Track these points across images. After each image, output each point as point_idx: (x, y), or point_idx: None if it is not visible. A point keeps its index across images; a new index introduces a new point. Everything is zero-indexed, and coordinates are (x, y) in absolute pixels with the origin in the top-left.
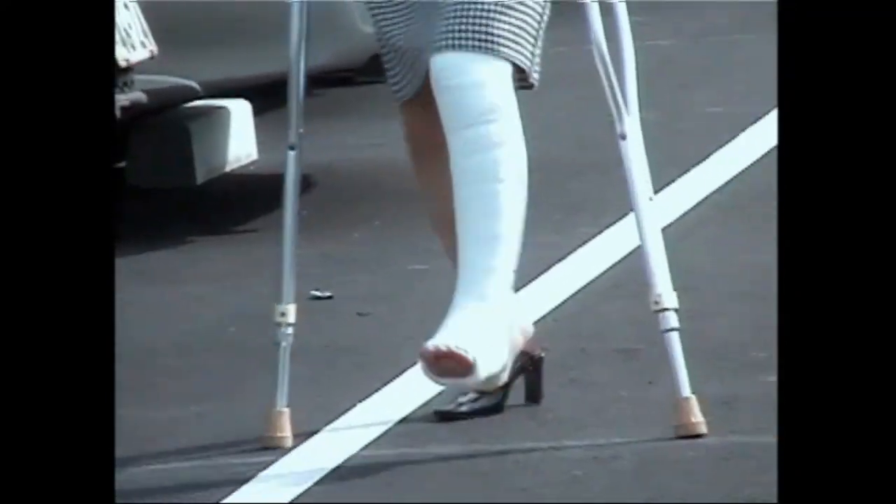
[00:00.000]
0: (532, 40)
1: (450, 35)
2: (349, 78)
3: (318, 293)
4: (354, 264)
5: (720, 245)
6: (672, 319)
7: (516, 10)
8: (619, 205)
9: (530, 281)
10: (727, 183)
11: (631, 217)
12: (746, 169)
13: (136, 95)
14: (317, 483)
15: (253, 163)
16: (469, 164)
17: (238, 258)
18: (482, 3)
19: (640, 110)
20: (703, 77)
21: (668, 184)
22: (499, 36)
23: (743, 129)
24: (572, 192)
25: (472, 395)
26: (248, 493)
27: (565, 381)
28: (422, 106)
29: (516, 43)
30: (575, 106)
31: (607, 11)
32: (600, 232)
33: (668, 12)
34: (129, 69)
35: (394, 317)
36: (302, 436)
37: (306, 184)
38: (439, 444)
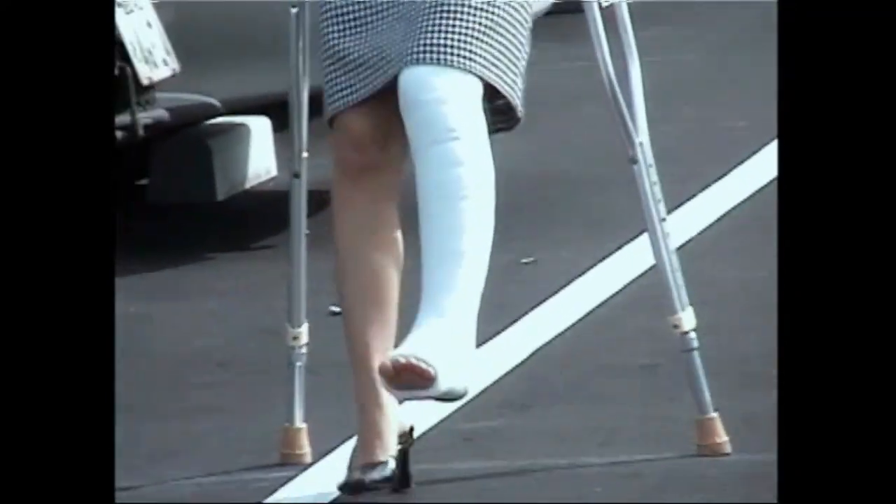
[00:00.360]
0: (514, 67)
1: (424, 49)
2: None
3: (336, 309)
4: None
5: (742, 260)
6: (692, 340)
7: (497, 32)
8: (641, 219)
9: (551, 296)
10: (749, 197)
11: None
12: (768, 184)
13: (159, 113)
14: (336, 499)
15: (272, 179)
16: (433, 181)
17: (257, 274)
18: (460, 21)
19: (661, 125)
20: (723, 91)
21: (689, 199)
22: (474, 53)
23: (764, 144)
24: (594, 208)
25: (376, 465)
26: None
27: (585, 397)
28: (362, 121)
29: (494, 65)
30: (598, 120)
31: (616, 32)
32: (621, 246)
33: (686, 26)
34: (151, 87)
35: (409, 331)
36: (321, 451)
37: (321, 200)
38: (459, 461)
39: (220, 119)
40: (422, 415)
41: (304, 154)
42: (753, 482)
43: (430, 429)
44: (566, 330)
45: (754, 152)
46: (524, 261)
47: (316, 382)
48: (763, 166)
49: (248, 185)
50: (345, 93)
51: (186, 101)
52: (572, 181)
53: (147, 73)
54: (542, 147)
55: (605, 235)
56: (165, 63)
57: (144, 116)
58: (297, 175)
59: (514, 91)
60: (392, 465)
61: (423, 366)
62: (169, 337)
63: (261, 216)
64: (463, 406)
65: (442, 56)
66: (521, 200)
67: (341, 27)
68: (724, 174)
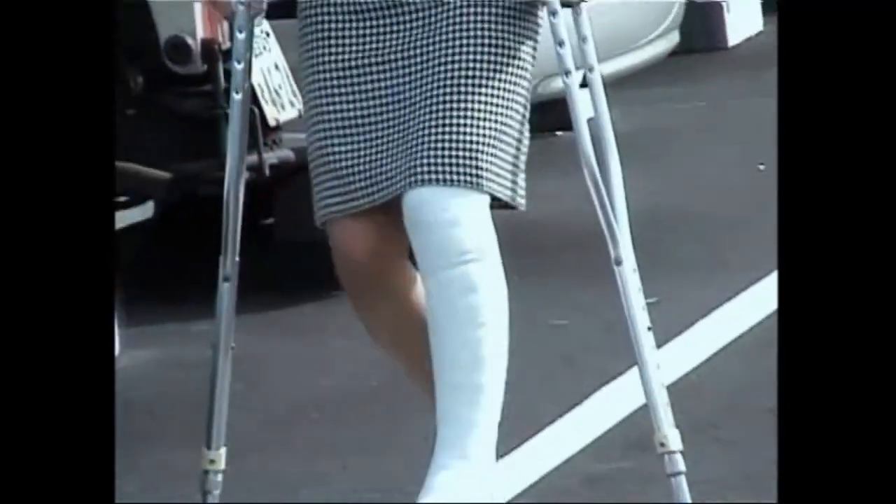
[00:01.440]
0: (517, 169)
1: (429, 167)
2: None
3: None
4: None
5: None
6: (678, 463)
7: (500, 140)
8: (765, 259)
9: (675, 336)
10: None
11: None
12: None
13: (284, 154)
14: None
15: None
16: (449, 307)
17: None
18: (462, 133)
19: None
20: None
21: None
22: (481, 169)
23: None
24: (717, 246)
25: None
26: None
27: (710, 440)
28: (355, 237)
29: (500, 176)
30: (719, 158)
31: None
32: (747, 287)
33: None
34: (278, 128)
35: (530, 371)
36: None
37: None
38: None
39: None
40: (544, 454)
41: (237, 258)
42: None
43: (553, 470)
44: (690, 371)
45: None
46: (648, 301)
47: None
48: None
49: None
50: (337, 199)
51: None
52: (695, 220)
53: (274, 114)
54: (665, 185)
55: (731, 275)
56: (292, 105)
57: (271, 156)
58: (227, 279)
59: (517, 196)
60: None
61: None
62: (291, 375)
63: None
64: (587, 447)
65: (450, 176)
66: (644, 239)
67: (332, 126)
68: None
